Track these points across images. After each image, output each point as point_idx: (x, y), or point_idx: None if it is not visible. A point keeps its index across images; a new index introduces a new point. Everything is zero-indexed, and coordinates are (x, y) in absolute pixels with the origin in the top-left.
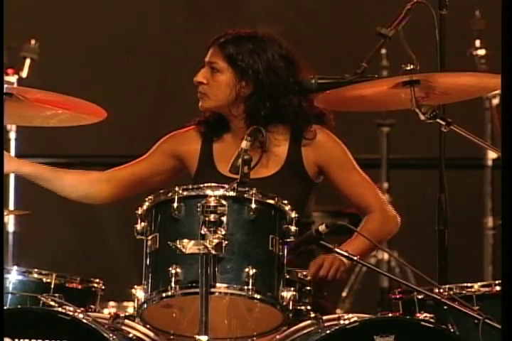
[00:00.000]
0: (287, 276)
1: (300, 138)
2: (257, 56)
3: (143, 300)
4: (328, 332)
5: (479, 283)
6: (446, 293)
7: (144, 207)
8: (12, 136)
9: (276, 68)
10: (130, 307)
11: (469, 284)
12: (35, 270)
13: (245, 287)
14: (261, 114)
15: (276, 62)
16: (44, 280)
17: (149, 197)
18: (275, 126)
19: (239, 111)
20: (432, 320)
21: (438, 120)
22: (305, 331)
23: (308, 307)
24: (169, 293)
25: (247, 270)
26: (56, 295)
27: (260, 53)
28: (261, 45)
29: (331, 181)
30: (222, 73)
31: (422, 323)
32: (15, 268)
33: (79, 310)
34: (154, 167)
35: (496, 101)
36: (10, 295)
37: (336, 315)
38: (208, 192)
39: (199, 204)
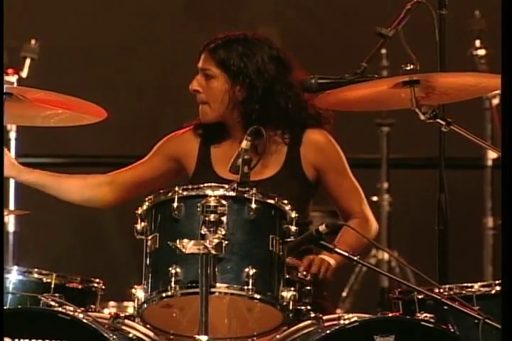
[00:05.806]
0: (287, 276)
1: (299, 141)
2: (247, 59)
3: (143, 300)
4: (328, 332)
5: (479, 283)
6: (446, 293)
7: (144, 207)
8: (12, 135)
9: (266, 71)
10: (130, 307)
11: (469, 284)
12: (36, 270)
13: (245, 287)
14: (253, 117)
15: (266, 64)
16: (44, 280)
17: (149, 197)
18: (273, 128)
19: (234, 116)
20: (432, 320)
21: (438, 120)
22: (305, 331)
23: (308, 307)
24: (169, 293)
25: (247, 270)
26: (56, 295)
27: (250, 56)
28: (250, 47)
29: (324, 183)
30: (216, 79)
31: (422, 323)
32: (15, 268)
33: (79, 310)
34: (155, 170)
35: (496, 101)
36: (10, 295)
37: (335, 315)
38: (208, 192)
39: (199, 204)
